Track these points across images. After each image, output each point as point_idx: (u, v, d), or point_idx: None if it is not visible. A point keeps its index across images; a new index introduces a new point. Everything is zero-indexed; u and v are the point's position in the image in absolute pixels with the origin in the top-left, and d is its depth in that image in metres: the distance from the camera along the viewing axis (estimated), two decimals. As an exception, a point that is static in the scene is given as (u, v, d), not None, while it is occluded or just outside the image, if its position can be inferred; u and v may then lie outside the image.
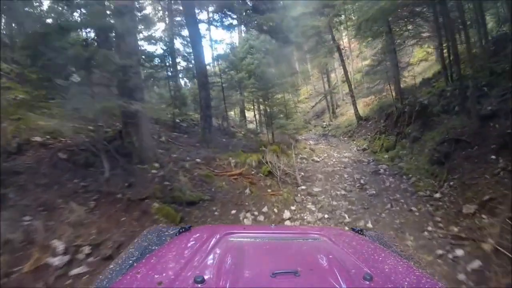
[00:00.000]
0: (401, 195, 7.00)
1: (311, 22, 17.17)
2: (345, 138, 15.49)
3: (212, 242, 1.43)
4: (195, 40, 10.81)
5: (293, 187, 7.80)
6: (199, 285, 0.96)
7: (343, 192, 7.39)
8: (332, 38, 17.50)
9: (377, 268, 1.16)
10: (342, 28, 19.33)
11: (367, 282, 1.01)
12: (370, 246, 1.49)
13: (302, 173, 8.91)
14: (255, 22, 10.76)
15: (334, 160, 10.78)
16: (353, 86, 17.20)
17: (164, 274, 1.08)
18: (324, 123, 20.89)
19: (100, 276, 1.30)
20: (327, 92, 21.66)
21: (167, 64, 13.20)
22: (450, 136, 7.82)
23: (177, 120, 12.60)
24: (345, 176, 8.74)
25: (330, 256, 1.25)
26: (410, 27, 12.33)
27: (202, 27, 15.94)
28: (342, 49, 18.78)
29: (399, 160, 8.95)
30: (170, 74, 13.62)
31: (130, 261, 1.37)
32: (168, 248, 1.44)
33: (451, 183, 7.05)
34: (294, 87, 21.15)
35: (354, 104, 16.39)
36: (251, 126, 17.78)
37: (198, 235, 1.63)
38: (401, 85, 12.62)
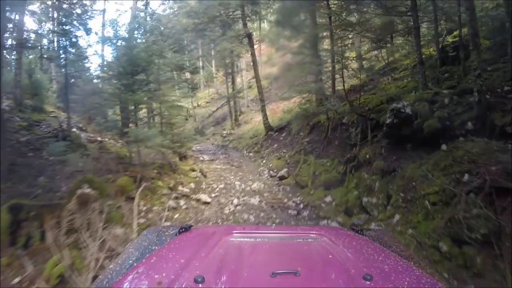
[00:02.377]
0: None
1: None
2: (251, 154, 10.29)
3: (212, 242, 1.26)
4: None
5: None
6: (199, 285, 0.84)
7: None
8: (244, 24, 12.32)
9: (377, 268, 1.02)
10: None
11: (367, 282, 0.88)
12: (370, 246, 1.31)
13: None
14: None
15: (236, 200, 5.29)
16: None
17: (164, 274, 0.95)
18: (225, 132, 15.55)
19: (100, 276, 1.18)
20: (230, 95, 16.36)
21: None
22: (485, 180, 3.27)
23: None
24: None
25: (330, 256, 1.13)
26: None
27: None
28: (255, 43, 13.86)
29: (366, 217, 4.00)
30: None
31: (130, 261, 1.21)
32: (168, 248, 1.26)
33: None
34: (189, 84, 15.13)
35: (264, 110, 11.51)
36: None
37: (198, 235, 1.50)
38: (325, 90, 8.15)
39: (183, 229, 1.46)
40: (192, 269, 0.94)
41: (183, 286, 0.85)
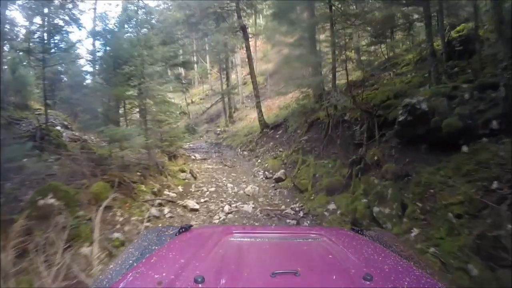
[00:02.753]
0: None
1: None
2: (245, 152, 9.70)
3: (212, 242, 1.23)
4: None
5: None
6: (199, 285, 0.82)
7: None
8: (238, 16, 11.60)
9: (377, 268, 1.00)
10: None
11: (367, 282, 0.86)
12: (370, 246, 1.28)
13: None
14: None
15: (227, 207, 4.69)
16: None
17: (164, 274, 0.92)
18: (219, 129, 14.93)
19: (100, 276, 1.15)
20: (225, 91, 15.68)
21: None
22: None
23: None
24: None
25: (330, 256, 1.11)
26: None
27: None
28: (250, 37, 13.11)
29: (379, 230, 3.41)
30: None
31: (130, 261, 1.17)
32: (168, 248, 1.24)
33: None
34: (181, 80, 14.41)
35: (259, 106, 10.88)
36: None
37: (198, 235, 1.47)
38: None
39: (183, 229, 1.43)
40: (192, 269, 0.92)
41: (183, 286, 0.82)
